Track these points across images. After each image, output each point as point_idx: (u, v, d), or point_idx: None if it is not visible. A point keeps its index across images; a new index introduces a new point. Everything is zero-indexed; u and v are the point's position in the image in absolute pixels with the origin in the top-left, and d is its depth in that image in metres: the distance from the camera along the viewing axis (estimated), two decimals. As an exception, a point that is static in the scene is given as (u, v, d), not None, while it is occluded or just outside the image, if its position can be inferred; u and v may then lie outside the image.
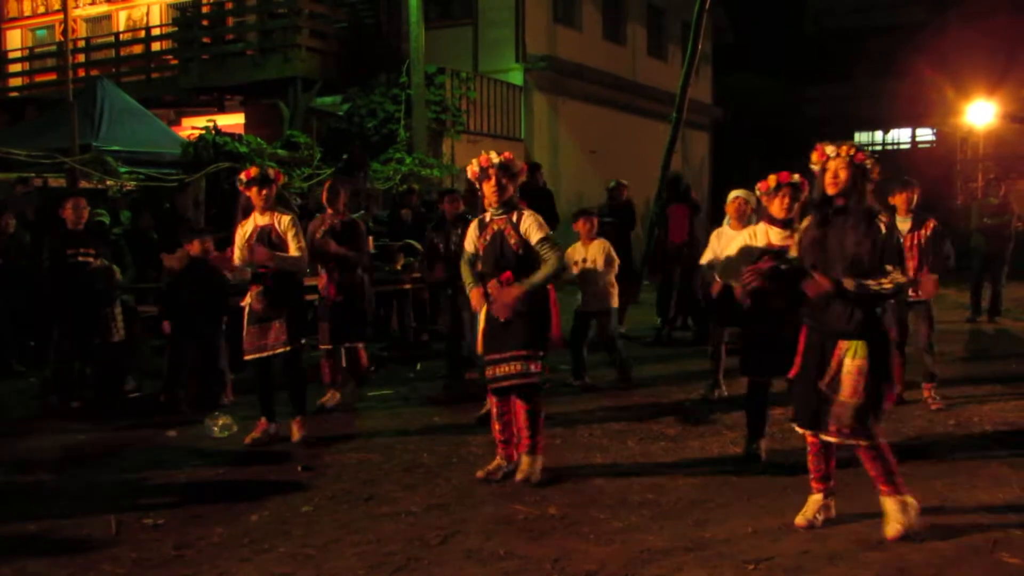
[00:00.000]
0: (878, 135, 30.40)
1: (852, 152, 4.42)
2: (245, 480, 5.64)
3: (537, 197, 10.82)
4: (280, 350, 6.29)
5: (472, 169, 5.38)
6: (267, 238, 6.29)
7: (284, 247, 6.30)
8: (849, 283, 4.33)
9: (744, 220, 7.30)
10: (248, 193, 6.39)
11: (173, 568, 4.21)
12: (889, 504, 4.41)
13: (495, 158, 5.30)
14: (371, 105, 16.50)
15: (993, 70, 23.98)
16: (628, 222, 11.83)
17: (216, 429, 6.67)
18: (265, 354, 6.32)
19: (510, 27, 18.52)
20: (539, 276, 5.26)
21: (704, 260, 7.46)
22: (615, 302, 8.43)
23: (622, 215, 11.66)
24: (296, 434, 6.41)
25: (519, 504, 5.00)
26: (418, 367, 9.22)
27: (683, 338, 11.08)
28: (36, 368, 9.00)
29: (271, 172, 6.50)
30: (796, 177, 5.62)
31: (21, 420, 7.33)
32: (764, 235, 5.67)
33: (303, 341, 6.48)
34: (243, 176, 6.43)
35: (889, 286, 4.37)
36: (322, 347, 7.50)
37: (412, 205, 12.23)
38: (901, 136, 30.01)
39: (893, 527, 4.36)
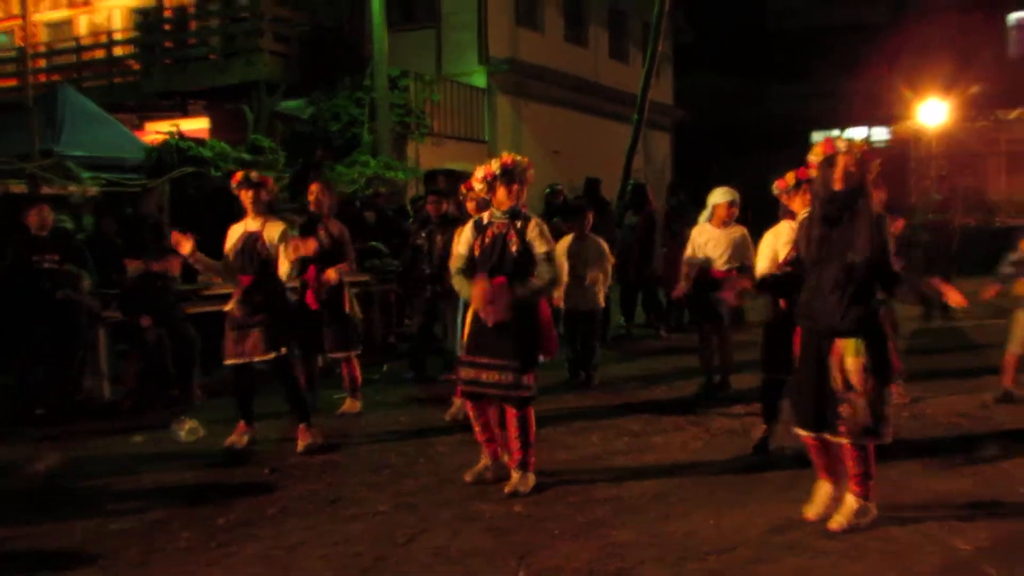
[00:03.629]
0: (835, 134, 30.79)
1: (864, 148, 4.40)
2: (212, 483, 5.58)
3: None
4: (259, 358, 6.13)
5: (489, 169, 5.16)
6: (252, 245, 6.17)
7: (270, 256, 6.17)
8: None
9: (729, 223, 7.34)
10: (240, 196, 6.27)
11: (139, 572, 4.18)
12: (851, 502, 4.44)
13: (523, 160, 5.18)
14: (335, 108, 16.41)
15: (946, 70, 24.34)
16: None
17: (183, 433, 6.62)
18: (243, 360, 6.18)
19: (472, 30, 18.53)
20: (533, 287, 5.09)
21: (687, 255, 7.51)
22: (602, 302, 8.43)
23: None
24: (301, 443, 6.17)
25: (484, 504, 5.01)
26: (384, 368, 9.20)
27: (644, 335, 11.20)
28: (-1, 375, 8.88)
29: (254, 175, 6.35)
30: (813, 172, 5.60)
31: (-15, 428, 7.24)
32: (789, 231, 5.53)
33: (284, 349, 6.23)
34: (232, 181, 6.32)
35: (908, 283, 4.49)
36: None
37: (377, 207, 12.20)
38: (857, 135, 30.38)
39: (839, 521, 4.41)
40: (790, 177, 5.56)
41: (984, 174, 25.83)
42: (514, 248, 5.09)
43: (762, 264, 5.73)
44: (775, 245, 5.67)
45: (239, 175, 6.35)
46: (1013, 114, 25.60)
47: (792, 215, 5.58)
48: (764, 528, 4.50)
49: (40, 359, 7.62)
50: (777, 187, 5.70)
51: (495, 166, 5.16)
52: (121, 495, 5.41)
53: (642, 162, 19.66)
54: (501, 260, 5.11)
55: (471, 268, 5.25)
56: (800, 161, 5.02)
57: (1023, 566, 4.01)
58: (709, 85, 28.48)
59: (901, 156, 25.93)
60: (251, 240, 6.20)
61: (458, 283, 5.37)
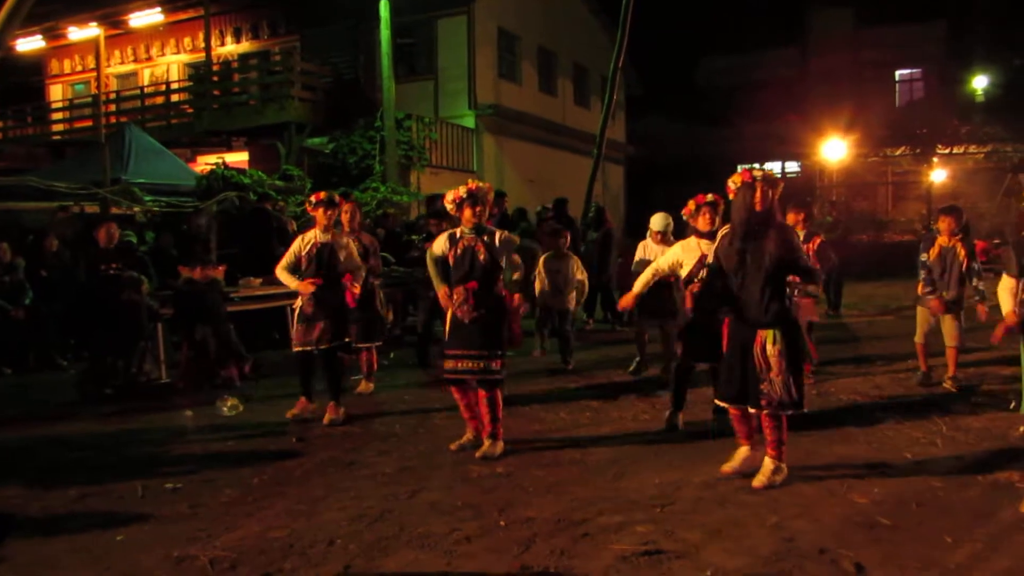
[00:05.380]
0: (756, 167, 30.87)
1: (773, 175, 4.42)
2: (249, 450, 5.52)
3: (501, 220, 10.88)
4: (324, 346, 6.05)
5: (457, 193, 5.11)
6: (324, 254, 6.06)
7: (338, 263, 6.08)
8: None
9: (666, 242, 7.27)
10: (315, 213, 6.12)
11: (189, 523, 4.12)
12: (768, 464, 4.45)
13: (484, 186, 5.15)
14: (352, 144, 16.36)
15: (845, 115, 24.55)
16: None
17: (225, 409, 6.54)
18: (310, 348, 6.08)
19: (463, 81, 18.50)
20: (518, 283, 5.22)
21: (634, 267, 7.44)
22: (572, 304, 8.42)
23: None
24: (329, 416, 6.11)
25: (473, 465, 4.98)
26: (391, 356, 9.13)
27: (602, 328, 11.17)
28: (76, 362, 8.76)
29: (336, 197, 6.21)
30: (710, 196, 5.59)
31: (64, 405, 7.11)
32: (696, 246, 5.55)
33: (344, 339, 6.21)
34: (312, 198, 6.14)
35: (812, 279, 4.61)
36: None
37: (386, 225, 12.14)
38: (774, 168, 30.51)
39: (760, 480, 4.41)
40: (691, 204, 5.61)
41: (875, 200, 26.07)
42: (482, 257, 5.09)
43: (663, 264, 5.73)
44: (679, 254, 5.67)
45: (322, 194, 6.15)
46: (898, 151, 25.85)
47: (698, 232, 5.63)
48: (698, 485, 4.49)
49: (108, 348, 7.52)
50: (684, 212, 5.74)
51: (462, 191, 5.13)
52: (174, 460, 5.33)
53: (601, 189, 19.64)
54: (472, 268, 5.10)
55: (445, 271, 5.24)
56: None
57: (909, 515, 4.01)
58: (655, 128, 28.59)
59: (808, 185, 26.13)
60: (324, 250, 6.08)
61: (432, 271, 5.33)
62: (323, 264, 6.08)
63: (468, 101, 18.52)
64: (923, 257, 6.91)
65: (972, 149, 24.99)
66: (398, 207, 14.78)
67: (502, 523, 4.00)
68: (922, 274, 6.88)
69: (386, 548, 3.74)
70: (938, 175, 24.98)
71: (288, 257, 6.19)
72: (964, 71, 25.88)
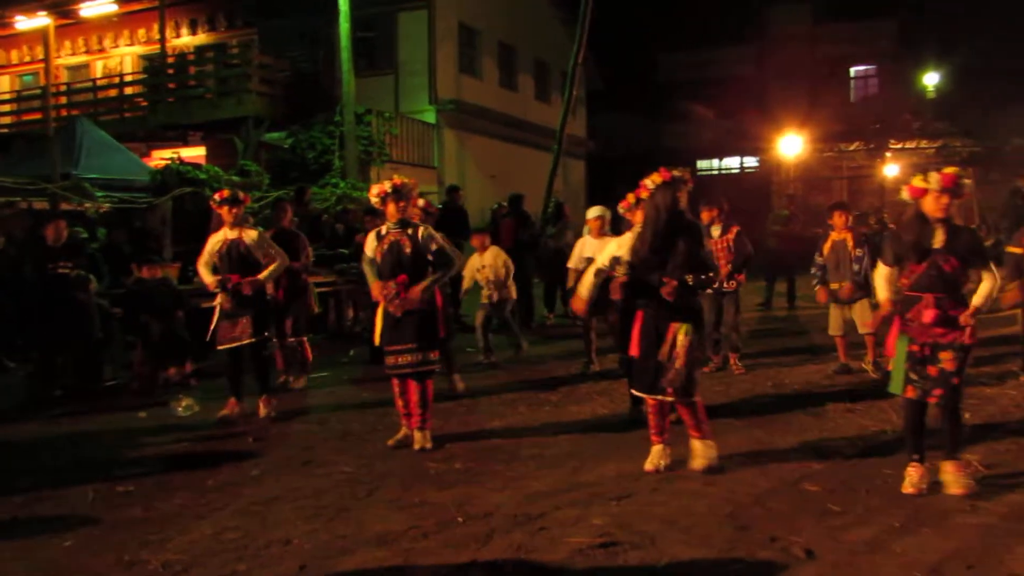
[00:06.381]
0: (715, 162, 31.17)
1: (686, 174, 4.52)
2: (204, 451, 5.43)
3: (454, 212, 10.82)
4: (246, 341, 6.03)
5: (382, 188, 5.19)
6: (236, 250, 6.07)
7: (252, 257, 6.10)
8: (690, 278, 4.43)
9: (602, 233, 7.32)
10: (220, 211, 6.13)
11: (141, 527, 4.03)
12: (697, 445, 4.58)
13: (409, 183, 5.21)
14: (311, 139, 16.17)
15: (801, 111, 24.92)
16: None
17: (180, 409, 6.43)
18: (235, 344, 6.05)
19: (424, 76, 18.40)
20: (434, 277, 5.20)
21: (571, 263, 7.45)
22: (512, 295, 8.40)
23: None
24: (263, 410, 6.17)
25: (430, 461, 4.96)
26: (351, 353, 9.06)
27: (562, 324, 11.20)
28: (23, 362, 8.53)
29: (240, 194, 6.24)
30: (646, 195, 5.61)
31: (11, 408, 6.92)
32: (630, 240, 5.62)
33: (266, 334, 6.24)
34: (216, 196, 6.17)
35: (712, 276, 4.55)
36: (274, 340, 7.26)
37: (346, 221, 12.02)
38: (732, 163, 30.84)
39: (699, 462, 4.54)
40: (631, 197, 5.55)
41: (830, 193, 26.47)
42: (408, 251, 5.15)
43: (602, 260, 5.46)
44: (615, 250, 5.43)
45: (226, 192, 6.22)
46: (853, 146, 26.33)
47: (633, 227, 5.58)
48: (655, 477, 4.53)
49: (56, 349, 7.33)
50: (621, 206, 5.74)
51: (387, 186, 5.19)
52: (127, 463, 5.22)
53: (561, 184, 19.66)
54: (399, 262, 5.14)
55: (376, 269, 5.26)
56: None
57: (858, 502, 4.08)
58: (615, 123, 28.70)
59: (766, 179, 26.52)
60: (234, 246, 6.08)
61: (368, 272, 5.35)
62: (236, 260, 6.08)
63: (429, 96, 18.41)
64: (818, 259, 7.26)
65: (923, 144, 25.53)
66: (358, 203, 14.64)
67: (460, 519, 3.99)
68: (813, 270, 7.29)
69: (343, 547, 3.71)
70: (891, 169, 25.48)
71: (205, 256, 6.20)
72: (916, 68, 26.42)
